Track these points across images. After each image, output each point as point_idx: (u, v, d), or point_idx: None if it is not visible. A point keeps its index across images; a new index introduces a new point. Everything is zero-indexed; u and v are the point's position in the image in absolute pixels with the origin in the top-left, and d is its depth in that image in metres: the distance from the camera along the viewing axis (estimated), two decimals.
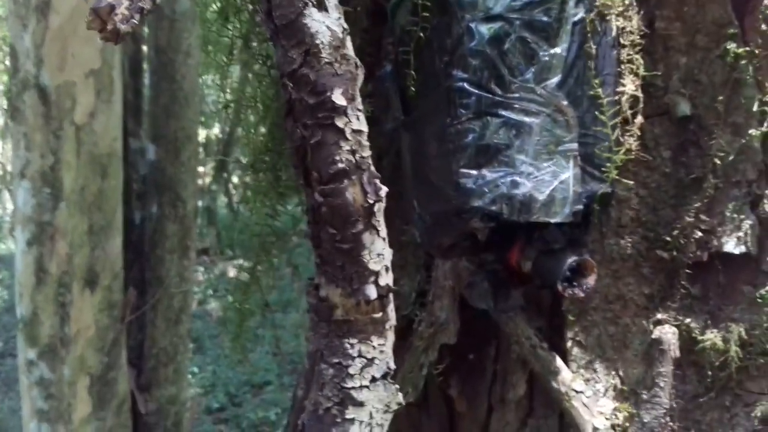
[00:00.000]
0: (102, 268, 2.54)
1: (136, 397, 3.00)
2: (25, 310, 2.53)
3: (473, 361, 1.22)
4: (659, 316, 1.02)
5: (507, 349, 1.17)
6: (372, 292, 0.80)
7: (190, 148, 3.30)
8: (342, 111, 0.75)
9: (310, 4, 0.76)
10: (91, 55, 2.44)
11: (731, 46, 0.95)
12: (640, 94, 0.94)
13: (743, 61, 0.94)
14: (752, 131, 0.95)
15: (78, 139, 2.42)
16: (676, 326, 1.01)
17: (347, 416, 0.82)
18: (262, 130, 1.02)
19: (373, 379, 0.83)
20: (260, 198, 1.02)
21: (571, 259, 0.92)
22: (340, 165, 0.76)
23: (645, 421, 0.98)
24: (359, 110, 0.77)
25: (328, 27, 0.76)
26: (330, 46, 0.75)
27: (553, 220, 0.89)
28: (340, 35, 0.77)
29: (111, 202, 2.59)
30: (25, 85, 2.37)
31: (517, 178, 0.88)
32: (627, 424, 1.01)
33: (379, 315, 0.82)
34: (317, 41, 0.75)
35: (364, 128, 0.78)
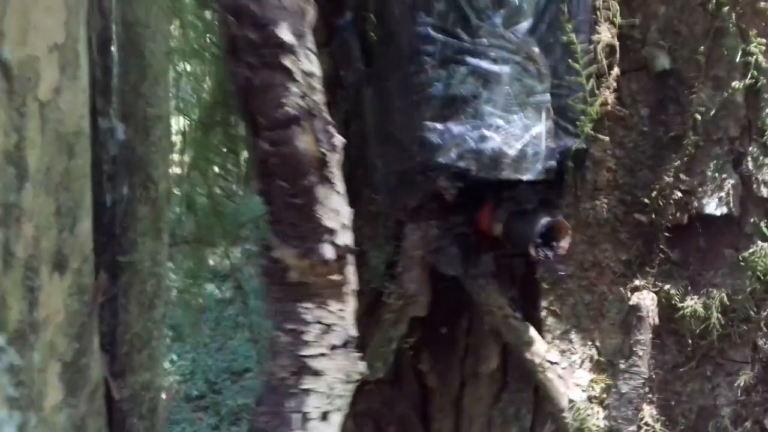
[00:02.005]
0: (71, 250, 2.46)
1: (109, 384, 2.93)
2: None
3: (445, 334, 1.16)
4: (637, 282, 0.97)
5: (479, 321, 1.12)
6: (328, 251, 0.74)
7: (161, 127, 3.21)
8: (289, 48, 0.68)
9: None
10: (55, 28, 2.34)
11: None
12: (616, 42, 0.88)
13: (725, 8, 0.89)
14: (735, 84, 0.90)
15: (42, 116, 2.32)
16: (654, 293, 0.96)
17: (304, 386, 0.75)
18: (208, 82, 0.95)
19: (333, 347, 0.76)
20: (210, 159, 0.94)
21: (544, 221, 0.86)
22: (289, 109, 0.69)
23: (623, 391, 0.93)
24: (310, 49, 0.70)
25: None
26: None
27: (524, 178, 0.84)
28: None
29: (79, 183, 2.50)
30: None
31: (486, 132, 0.82)
32: (604, 396, 0.96)
33: (337, 277, 0.76)
34: None
35: (317, 70, 0.71)
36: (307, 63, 0.70)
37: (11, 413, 2.73)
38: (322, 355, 0.76)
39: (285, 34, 0.68)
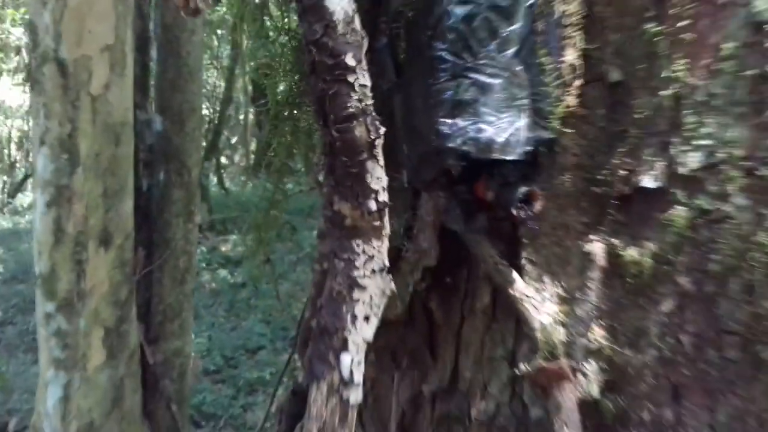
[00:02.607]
0: (115, 228, 2.79)
1: (144, 349, 3.28)
2: (44, 267, 2.79)
3: (449, 281, 1.51)
4: (592, 237, 1.32)
5: (475, 270, 1.47)
6: (373, 205, 1.09)
7: (194, 119, 3.55)
8: (352, 69, 1.03)
9: None
10: (106, 32, 2.67)
11: (650, 26, 1.24)
12: (578, 62, 1.22)
13: (658, 39, 1.23)
14: (663, 93, 1.24)
15: (93, 109, 2.66)
16: (604, 245, 1.30)
17: (354, 297, 1.10)
18: (281, 88, 1.29)
19: (373, 271, 1.12)
20: (282, 145, 1.28)
21: (523, 189, 1.20)
22: (351, 110, 1.04)
23: (578, 314, 1.28)
24: (364, 70, 1.05)
25: (342, 8, 1.04)
26: (343, 22, 1.03)
27: (509, 158, 1.18)
28: (351, 14, 1.04)
29: (123, 168, 2.84)
30: (44, 58, 2.60)
31: (482, 126, 1.16)
32: (566, 319, 1.31)
33: (378, 223, 1.11)
34: (334, 18, 1.03)
35: (368, 83, 1.05)
36: (363, 79, 1.05)
37: (57, 373, 3.16)
38: (366, 276, 1.11)
39: (350, 60, 1.03)
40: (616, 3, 1.26)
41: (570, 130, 1.28)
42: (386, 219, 1.12)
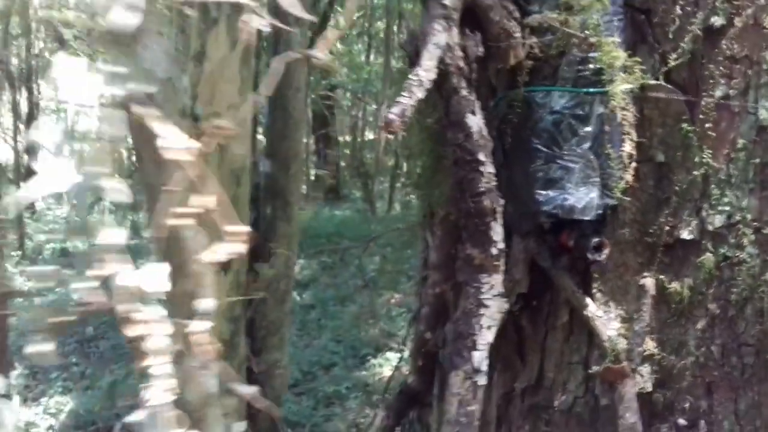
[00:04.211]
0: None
1: (251, 359, 3.87)
2: None
3: (536, 304, 2.03)
4: (645, 274, 1.82)
5: (557, 296, 1.98)
6: (494, 251, 1.63)
7: (297, 162, 4.18)
8: (482, 163, 1.59)
9: (469, 112, 1.59)
10: (232, 93, 3.33)
11: (685, 125, 1.75)
12: (633, 150, 1.75)
13: (691, 134, 1.74)
14: (695, 172, 1.75)
15: (221, 156, 3.31)
16: (655, 280, 1.80)
17: (480, 313, 1.64)
18: (419, 163, 1.85)
19: (493, 295, 1.65)
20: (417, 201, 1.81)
21: (595, 240, 1.72)
22: (481, 188, 1.59)
23: (635, 330, 1.78)
24: (491, 163, 1.60)
25: (476, 123, 1.60)
26: (478, 133, 1.59)
27: (585, 218, 1.70)
28: (481, 126, 1.60)
29: (242, 205, 3.47)
30: (183, 114, 3.26)
31: (566, 196, 1.69)
32: (627, 333, 1.81)
33: (497, 263, 1.65)
34: (472, 130, 1.59)
35: (493, 171, 1.61)
36: (490, 167, 1.60)
37: None
38: (489, 298, 1.65)
39: (481, 156, 1.58)
40: (660, 108, 1.78)
41: (628, 198, 1.80)
42: (503, 260, 1.66)
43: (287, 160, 4.17)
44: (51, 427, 5.16)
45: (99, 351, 6.37)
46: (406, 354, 3.36)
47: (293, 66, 3.97)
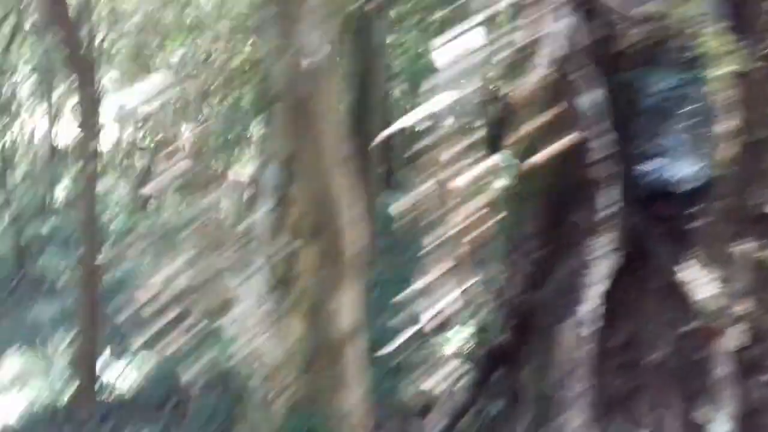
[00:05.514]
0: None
1: None
2: None
3: (632, 268, 2.22)
4: (738, 242, 1.98)
5: (655, 262, 2.16)
6: (602, 215, 1.84)
7: None
8: (596, 136, 1.79)
9: (585, 90, 1.79)
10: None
11: None
12: (733, 129, 1.92)
13: None
14: None
15: None
16: (746, 247, 1.97)
17: (586, 273, 1.85)
18: None
19: (598, 257, 1.86)
20: None
21: (694, 209, 1.91)
22: (595, 158, 1.80)
23: (729, 292, 1.95)
24: (603, 136, 1.80)
25: (592, 100, 1.79)
26: (592, 110, 1.79)
27: (683, 190, 1.89)
28: (597, 104, 1.80)
29: None
30: None
31: (667, 169, 1.88)
32: (721, 295, 1.97)
33: (604, 227, 1.85)
34: (588, 107, 1.78)
35: (605, 144, 1.81)
36: (602, 141, 1.80)
37: None
38: (594, 259, 1.86)
39: (596, 130, 1.78)
40: (758, 88, 1.94)
41: (724, 173, 1.97)
42: (609, 224, 1.86)
43: None
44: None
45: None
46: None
47: None
